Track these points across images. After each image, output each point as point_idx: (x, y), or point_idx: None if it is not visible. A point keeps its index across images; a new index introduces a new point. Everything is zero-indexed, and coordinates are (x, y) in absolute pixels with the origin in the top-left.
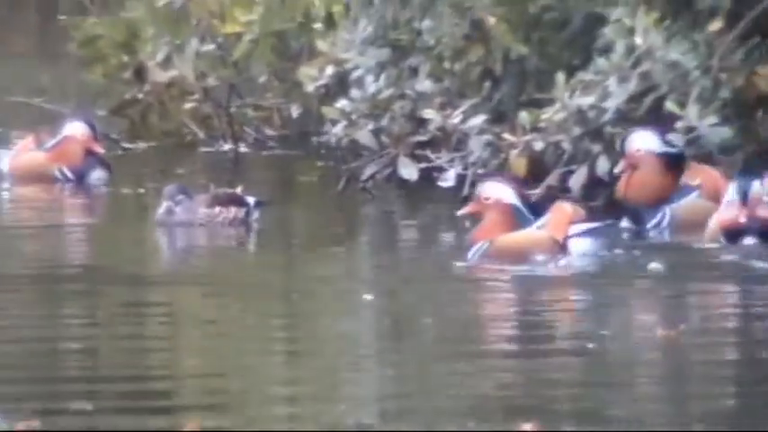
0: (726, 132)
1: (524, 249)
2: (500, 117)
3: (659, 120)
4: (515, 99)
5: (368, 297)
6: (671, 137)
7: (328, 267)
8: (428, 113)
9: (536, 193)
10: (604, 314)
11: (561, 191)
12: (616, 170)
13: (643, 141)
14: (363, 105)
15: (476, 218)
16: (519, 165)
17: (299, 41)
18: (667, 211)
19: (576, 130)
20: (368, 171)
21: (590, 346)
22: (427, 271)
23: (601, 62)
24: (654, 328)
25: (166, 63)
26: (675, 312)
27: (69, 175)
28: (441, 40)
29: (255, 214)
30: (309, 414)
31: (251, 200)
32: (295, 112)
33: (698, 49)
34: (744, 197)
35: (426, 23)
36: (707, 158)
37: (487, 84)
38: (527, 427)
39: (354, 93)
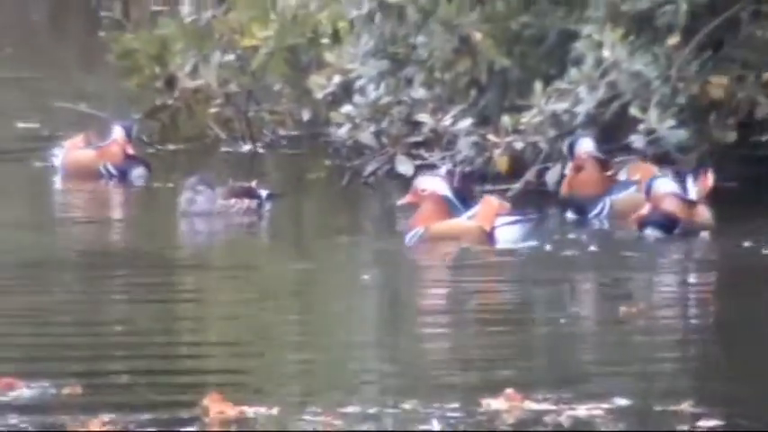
0: (682, 134)
1: (456, 236)
2: (485, 120)
3: (624, 123)
4: (498, 105)
5: (365, 277)
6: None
7: (333, 252)
8: (422, 117)
9: (516, 187)
10: (559, 294)
11: (539, 185)
12: (565, 171)
13: (587, 146)
14: (365, 110)
15: (414, 207)
16: (501, 162)
17: (309, 54)
18: (607, 203)
19: (552, 132)
20: (369, 168)
21: (562, 321)
22: (420, 255)
23: (573, 72)
24: (614, 305)
25: (193, 73)
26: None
27: (113, 171)
28: (433, 54)
29: (267, 205)
30: (320, 385)
31: (264, 192)
32: (305, 115)
33: (658, 61)
34: (648, 193)
35: (420, 39)
36: (666, 156)
37: (474, 91)
38: (508, 391)
39: (358, 99)
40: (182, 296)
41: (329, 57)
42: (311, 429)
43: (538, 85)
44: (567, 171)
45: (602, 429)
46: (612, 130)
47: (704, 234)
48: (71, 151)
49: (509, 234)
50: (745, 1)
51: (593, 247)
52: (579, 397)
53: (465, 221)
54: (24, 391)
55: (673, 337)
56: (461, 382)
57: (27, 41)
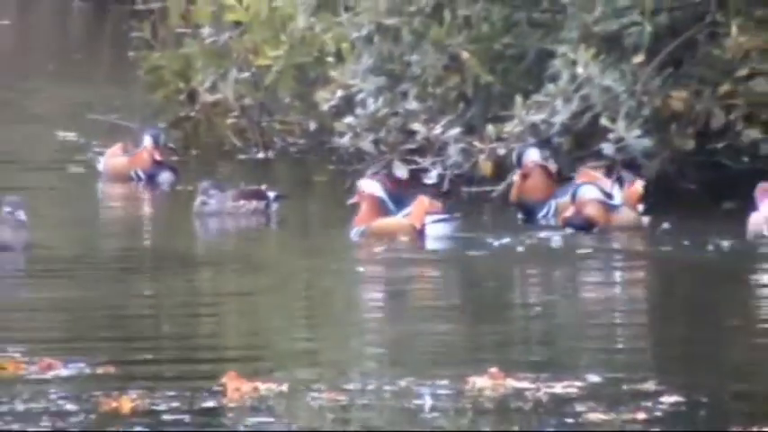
0: (647, 142)
1: (391, 233)
2: (472, 129)
3: (596, 132)
4: (483, 116)
5: (360, 269)
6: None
7: (335, 248)
8: (416, 127)
9: (499, 189)
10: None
11: None
12: (514, 178)
13: (534, 156)
14: (365, 121)
15: (358, 207)
16: (486, 167)
17: (315, 71)
18: (553, 205)
19: (531, 140)
20: (369, 172)
21: (537, 309)
22: (412, 249)
23: (550, 87)
24: (582, 296)
25: (212, 88)
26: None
27: (142, 176)
28: (425, 70)
29: (274, 206)
30: (325, 365)
31: (271, 194)
32: (312, 126)
33: (625, 77)
34: (574, 197)
35: (414, 57)
36: (632, 162)
37: (462, 104)
38: (492, 370)
39: (358, 111)
40: (200, 288)
41: (333, 73)
42: (316, 403)
43: (518, 99)
44: (515, 178)
45: (577, 406)
46: (585, 139)
47: (665, 226)
48: (110, 158)
49: (437, 231)
50: (702, 24)
51: (553, 245)
52: (555, 376)
53: (399, 220)
54: (63, 371)
55: (635, 323)
56: (450, 362)
57: (66, 60)
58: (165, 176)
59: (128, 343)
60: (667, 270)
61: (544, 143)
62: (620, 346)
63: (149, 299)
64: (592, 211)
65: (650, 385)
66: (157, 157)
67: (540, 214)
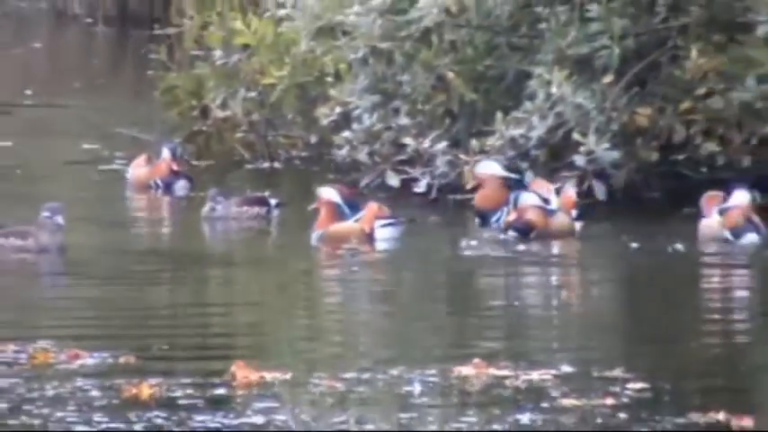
0: (615, 154)
1: (345, 237)
2: (457, 143)
3: (569, 145)
4: (468, 130)
5: (355, 269)
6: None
7: (331, 250)
8: (407, 140)
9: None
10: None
11: None
12: (467, 186)
13: (488, 167)
14: (361, 134)
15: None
16: (470, 177)
17: (316, 90)
18: (505, 211)
19: (510, 153)
20: (364, 181)
21: (515, 304)
22: (403, 251)
23: (528, 105)
24: (553, 293)
25: (223, 105)
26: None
27: (160, 184)
28: (415, 89)
29: (275, 212)
30: (324, 356)
31: (273, 201)
32: (313, 139)
33: (595, 95)
34: (515, 203)
35: (405, 77)
36: (602, 172)
37: (448, 120)
38: (475, 360)
39: (355, 126)
40: (211, 286)
41: (332, 92)
42: (317, 390)
43: (499, 115)
44: (469, 186)
45: (552, 392)
46: (560, 151)
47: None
48: (135, 168)
49: (385, 234)
50: (665, 48)
51: (522, 247)
52: (532, 365)
53: (351, 224)
54: (88, 360)
55: (602, 317)
56: (438, 353)
57: (90, 79)
58: (181, 185)
59: (147, 336)
60: (632, 270)
61: (523, 155)
62: (590, 339)
63: (166, 297)
64: (532, 215)
65: (618, 374)
66: (174, 168)
67: (493, 219)
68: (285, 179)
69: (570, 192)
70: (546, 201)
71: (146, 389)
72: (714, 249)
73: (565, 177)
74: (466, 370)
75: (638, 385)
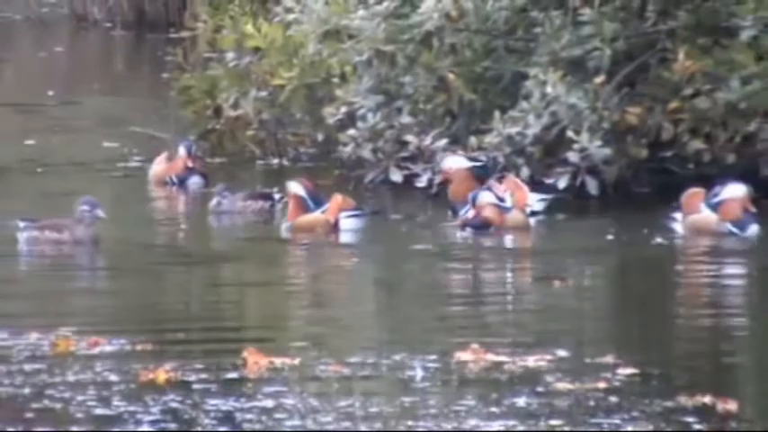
0: (607, 151)
1: (311, 227)
2: (457, 140)
3: (563, 143)
4: (467, 128)
5: (355, 260)
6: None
7: (333, 242)
8: (409, 138)
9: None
10: (505, 275)
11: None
12: (436, 181)
13: (453, 162)
14: (366, 133)
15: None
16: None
17: (323, 90)
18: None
19: (507, 149)
20: (369, 177)
21: (512, 293)
22: (405, 242)
23: (524, 104)
24: (546, 282)
25: (235, 105)
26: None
27: (175, 180)
28: (417, 90)
29: (279, 206)
30: (330, 342)
31: (277, 196)
32: (320, 137)
33: (588, 95)
34: (473, 202)
35: (407, 79)
36: (594, 168)
37: (448, 118)
38: (474, 346)
39: (360, 124)
40: (223, 276)
41: (338, 92)
42: (324, 375)
43: (497, 114)
44: (437, 181)
45: (546, 377)
46: (554, 148)
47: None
48: (155, 165)
49: (349, 225)
50: (654, 50)
51: (519, 239)
52: (528, 351)
53: (317, 215)
54: (107, 347)
55: (594, 306)
56: (438, 339)
57: (109, 80)
58: (195, 181)
59: (163, 324)
60: (622, 261)
61: (519, 152)
62: (583, 326)
63: (180, 287)
64: (488, 213)
65: (609, 359)
66: (190, 165)
67: (462, 212)
68: (293, 175)
69: (524, 191)
70: (501, 199)
71: (162, 374)
72: (702, 242)
73: (559, 173)
74: (465, 355)
75: (629, 370)
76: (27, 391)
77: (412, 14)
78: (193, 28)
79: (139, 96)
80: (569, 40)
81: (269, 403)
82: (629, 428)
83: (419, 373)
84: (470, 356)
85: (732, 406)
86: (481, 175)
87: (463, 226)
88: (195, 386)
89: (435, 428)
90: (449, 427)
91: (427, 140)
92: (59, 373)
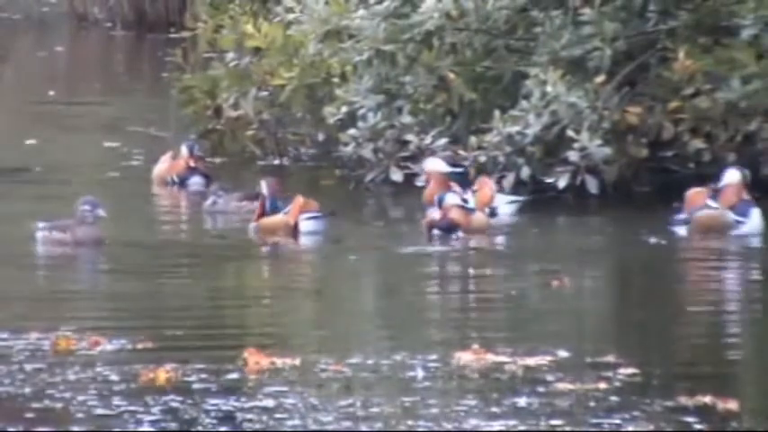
0: (607, 151)
1: (273, 229)
2: (457, 140)
3: (563, 142)
4: (467, 128)
5: (352, 257)
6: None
7: (337, 240)
8: (409, 137)
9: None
10: (503, 275)
11: (498, 189)
12: (418, 183)
13: (432, 164)
14: (366, 132)
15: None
16: (470, 172)
17: (324, 90)
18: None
19: (507, 149)
20: (369, 176)
21: (512, 293)
22: (404, 241)
23: (524, 103)
24: (545, 282)
25: (235, 105)
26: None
27: (176, 180)
28: (417, 89)
29: None
30: (331, 342)
31: None
32: (321, 137)
33: (588, 95)
34: (440, 204)
35: (408, 78)
36: (595, 168)
37: (448, 118)
38: (475, 347)
39: (360, 124)
40: (223, 277)
41: (338, 92)
42: (324, 375)
43: (497, 113)
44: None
45: (547, 377)
46: (554, 148)
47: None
48: (159, 164)
49: (309, 227)
50: (654, 50)
51: (519, 239)
52: (529, 351)
53: (279, 217)
54: (107, 347)
55: (594, 305)
56: (439, 339)
57: (110, 80)
58: (195, 181)
59: (163, 323)
60: (623, 260)
61: (519, 151)
62: (583, 326)
63: (180, 288)
64: (455, 215)
65: (610, 359)
66: (191, 164)
67: (428, 213)
68: (294, 175)
69: (486, 192)
70: (464, 200)
71: (162, 374)
72: (703, 242)
73: (559, 173)
74: (465, 356)
75: (629, 370)
76: (27, 390)
77: (412, 14)
78: (194, 28)
79: (140, 96)
80: (569, 39)
81: (270, 403)
82: (630, 428)
83: (420, 373)
84: (471, 357)
85: (733, 406)
86: (458, 182)
87: (430, 228)
88: (196, 386)
89: (436, 428)
90: (449, 427)
91: (427, 140)
92: (60, 373)
